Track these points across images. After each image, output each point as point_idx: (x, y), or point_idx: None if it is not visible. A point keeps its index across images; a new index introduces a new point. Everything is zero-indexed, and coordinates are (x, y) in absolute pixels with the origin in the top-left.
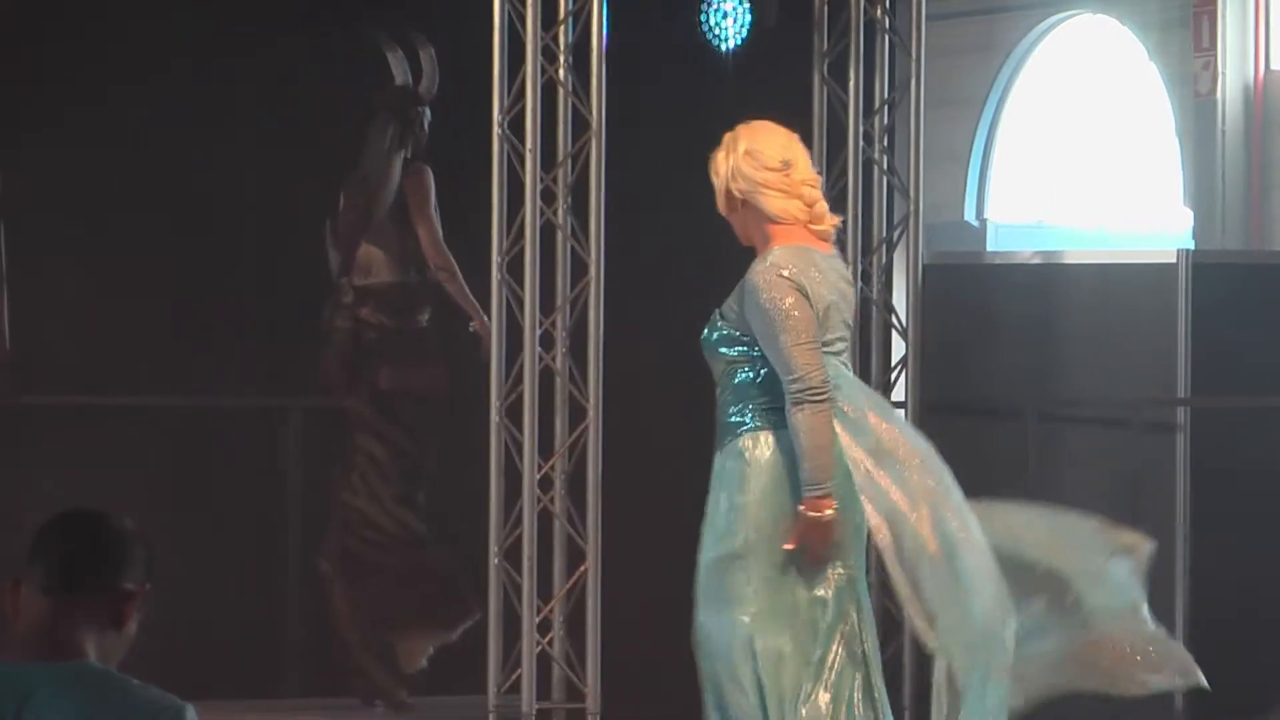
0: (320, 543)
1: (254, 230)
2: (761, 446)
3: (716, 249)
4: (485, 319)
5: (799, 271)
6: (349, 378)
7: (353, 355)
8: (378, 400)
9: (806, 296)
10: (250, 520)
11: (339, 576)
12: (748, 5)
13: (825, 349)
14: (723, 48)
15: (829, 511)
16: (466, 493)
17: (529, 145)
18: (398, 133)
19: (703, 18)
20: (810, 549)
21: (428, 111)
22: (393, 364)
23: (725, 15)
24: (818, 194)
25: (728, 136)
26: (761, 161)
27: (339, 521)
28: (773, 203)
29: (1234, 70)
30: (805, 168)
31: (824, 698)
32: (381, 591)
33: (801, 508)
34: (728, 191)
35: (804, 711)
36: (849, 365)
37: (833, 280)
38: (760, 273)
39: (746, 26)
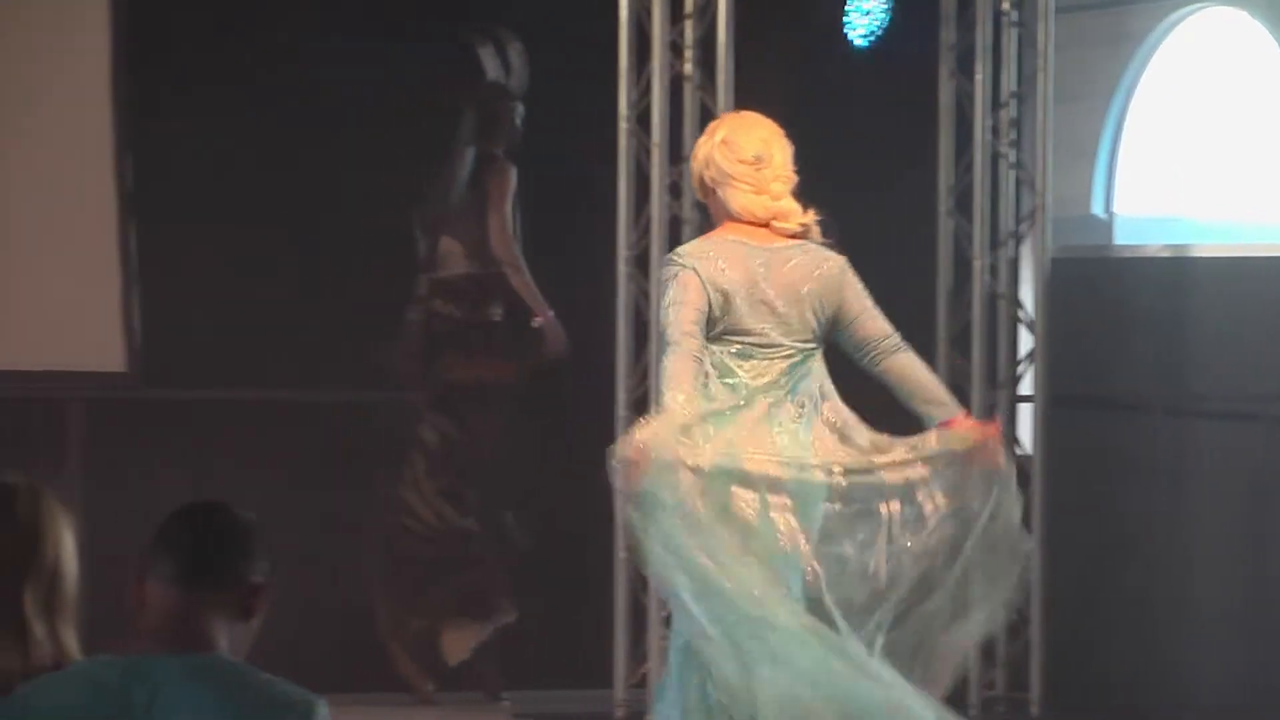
0: (363, 531)
1: (386, 225)
2: None
3: (843, 241)
4: (550, 314)
5: (696, 256)
6: (420, 370)
7: (424, 347)
8: (441, 392)
9: (698, 276)
10: (375, 512)
11: (375, 564)
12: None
13: (737, 338)
14: (858, 43)
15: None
16: (584, 488)
17: (656, 140)
18: (478, 128)
19: (845, 11)
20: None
21: (519, 107)
22: (461, 357)
23: (865, 13)
24: (785, 191)
25: (713, 123)
26: (735, 153)
27: (386, 510)
28: (738, 197)
29: None
30: (780, 164)
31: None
32: (416, 581)
33: None
34: (700, 178)
35: None
36: (769, 358)
37: (763, 272)
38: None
39: (882, 25)
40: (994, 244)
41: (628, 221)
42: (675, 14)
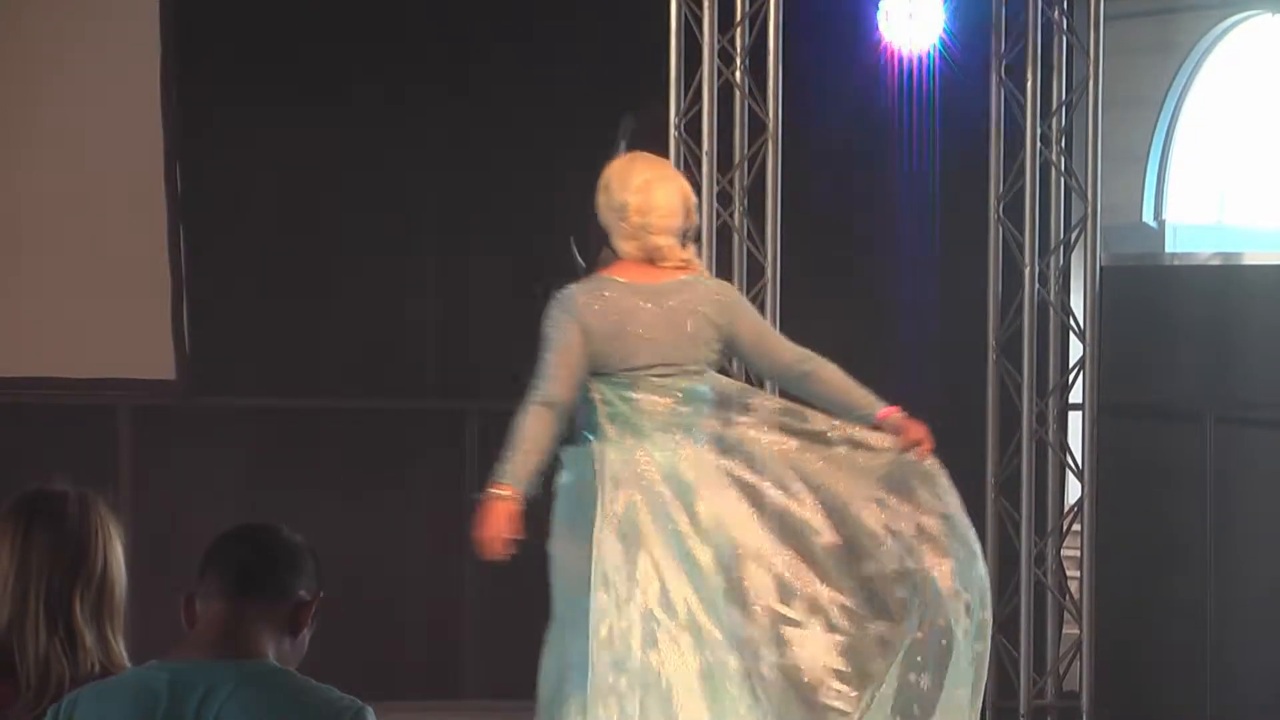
0: None
1: (433, 234)
2: (563, 463)
3: (893, 250)
4: None
5: (572, 299)
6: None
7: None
8: None
9: (571, 318)
10: (427, 521)
11: None
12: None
13: (620, 372)
14: (906, 50)
15: (494, 493)
16: None
17: (705, 148)
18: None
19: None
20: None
21: None
22: None
23: (909, 16)
24: (664, 230)
25: (678, 173)
26: (612, 199)
27: None
28: (618, 241)
29: None
30: (662, 206)
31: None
32: None
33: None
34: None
35: None
36: (679, 393)
37: (640, 308)
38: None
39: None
40: (1044, 252)
41: None
42: (725, 22)
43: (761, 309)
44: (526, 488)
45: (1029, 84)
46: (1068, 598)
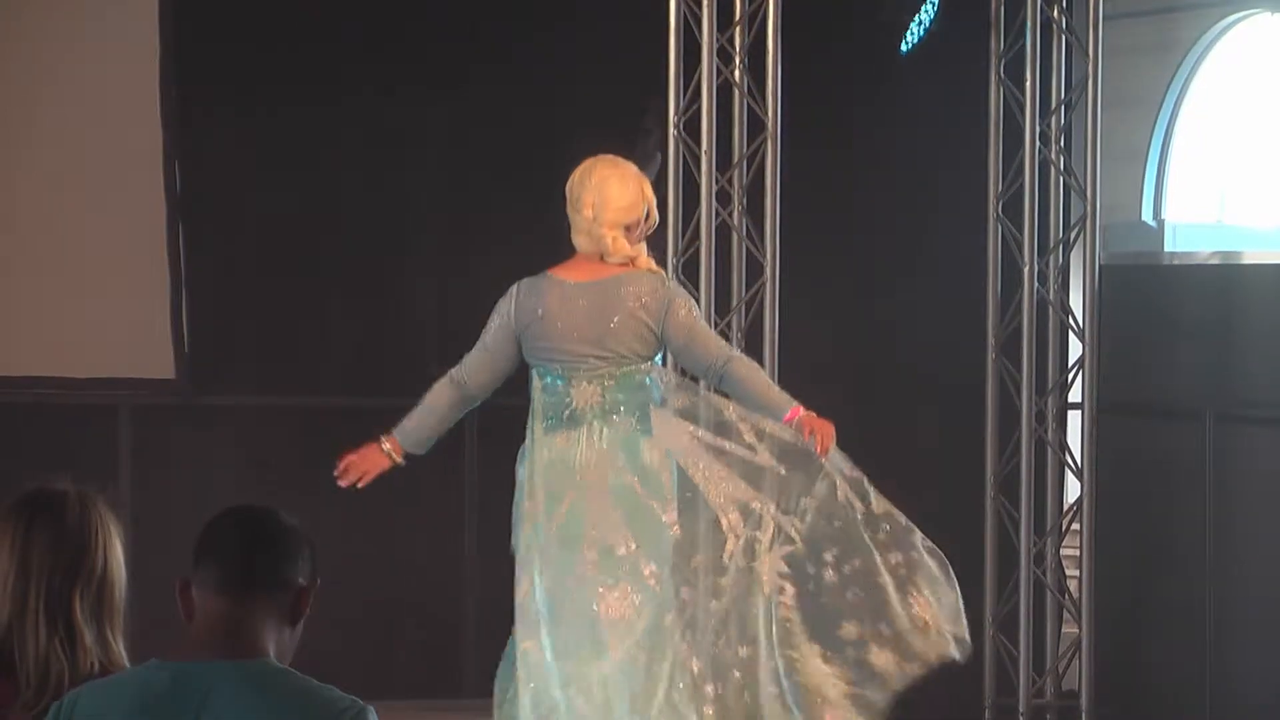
0: None
1: (433, 234)
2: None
3: (892, 250)
4: None
5: (517, 293)
6: None
7: None
8: None
9: (508, 312)
10: (428, 520)
11: None
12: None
13: (553, 361)
14: (901, 48)
15: (380, 439)
16: None
17: (704, 147)
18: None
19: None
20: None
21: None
22: None
23: (918, 23)
24: (614, 228)
25: (639, 173)
26: (570, 197)
27: None
28: (573, 237)
29: None
30: (614, 204)
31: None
32: None
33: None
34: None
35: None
36: (601, 383)
37: (572, 305)
38: None
39: (924, 29)
40: (1043, 251)
41: (676, 228)
42: (724, 20)
43: (761, 308)
44: (408, 444)
45: (1028, 83)
46: (1067, 597)
